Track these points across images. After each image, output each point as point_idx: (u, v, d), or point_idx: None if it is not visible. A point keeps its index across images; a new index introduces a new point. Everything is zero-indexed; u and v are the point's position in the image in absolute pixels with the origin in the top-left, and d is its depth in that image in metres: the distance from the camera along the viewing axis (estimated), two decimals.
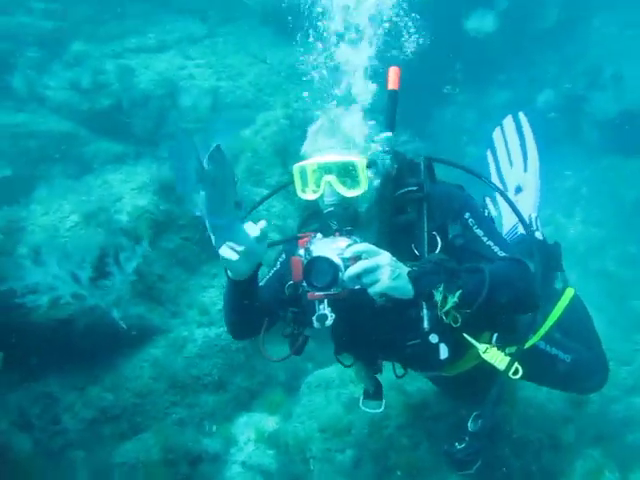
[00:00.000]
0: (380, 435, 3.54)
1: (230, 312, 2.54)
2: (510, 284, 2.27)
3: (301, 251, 2.25)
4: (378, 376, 2.87)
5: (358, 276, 2.11)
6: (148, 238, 4.08)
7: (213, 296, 4.39)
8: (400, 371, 2.80)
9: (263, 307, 2.47)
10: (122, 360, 3.97)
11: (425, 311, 2.32)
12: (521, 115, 3.77)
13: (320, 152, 2.32)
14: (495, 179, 3.79)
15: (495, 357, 2.46)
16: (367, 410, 2.91)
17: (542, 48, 8.04)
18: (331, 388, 4.13)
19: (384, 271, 2.09)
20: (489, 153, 3.85)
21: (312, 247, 2.21)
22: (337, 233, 2.26)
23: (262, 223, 2.11)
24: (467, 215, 2.41)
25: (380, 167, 2.38)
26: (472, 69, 7.70)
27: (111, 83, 6.93)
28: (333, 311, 2.25)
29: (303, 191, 2.38)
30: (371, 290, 2.12)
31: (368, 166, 2.30)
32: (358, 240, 2.22)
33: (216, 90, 7.03)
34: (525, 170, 3.72)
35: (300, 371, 4.49)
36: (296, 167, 2.37)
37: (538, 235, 3.31)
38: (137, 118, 6.98)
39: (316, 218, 2.50)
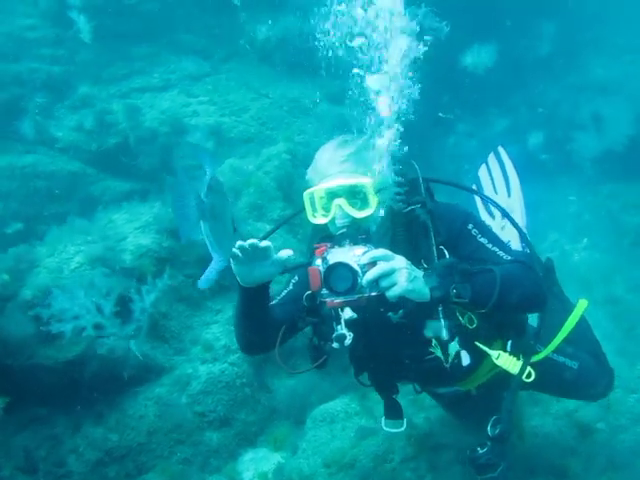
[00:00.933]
0: (384, 469, 3.52)
1: (239, 324, 2.62)
2: (519, 283, 2.36)
3: (318, 261, 2.31)
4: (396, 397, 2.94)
5: (376, 281, 2.18)
6: (152, 276, 4.12)
7: (217, 332, 4.42)
8: (419, 388, 2.93)
9: (275, 325, 2.55)
10: (126, 399, 3.99)
11: (443, 321, 2.39)
12: (500, 149, 3.99)
13: (328, 177, 2.44)
14: (482, 210, 3.91)
15: (508, 362, 2.54)
16: (389, 430, 2.97)
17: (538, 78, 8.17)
18: (336, 422, 4.13)
19: (401, 274, 2.18)
20: (474, 187, 3.99)
21: (329, 256, 2.27)
22: (352, 242, 2.33)
23: (289, 252, 2.29)
24: (470, 226, 2.52)
25: (386, 187, 2.47)
26: (471, 100, 7.80)
27: (117, 123, 7.10)
28: (351, 330, 2.30)
29: (314, 216, 2.52)
30: (389, 293, 2.19)
31: (376, 186, 2.41)
32: (373, 248, 2.28)
33: (219, 126, 7.16)
34: (509, 195, 3.90)
35: (306, 404, 4.48)
36: (306, 193, 2.51)
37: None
38: (143, 156, 7.12)
39: (328, 241, 2.52)
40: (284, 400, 4.44)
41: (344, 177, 2.42)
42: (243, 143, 7.05)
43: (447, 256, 2.47)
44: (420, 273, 2.26)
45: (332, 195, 2.42)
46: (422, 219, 2.50)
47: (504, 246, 2.56)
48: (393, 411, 2.92)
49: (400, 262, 2.21)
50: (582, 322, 3.24)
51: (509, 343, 2.65)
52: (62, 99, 7.31)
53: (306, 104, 7.77)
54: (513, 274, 2.38)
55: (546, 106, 8.07)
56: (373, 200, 2.39)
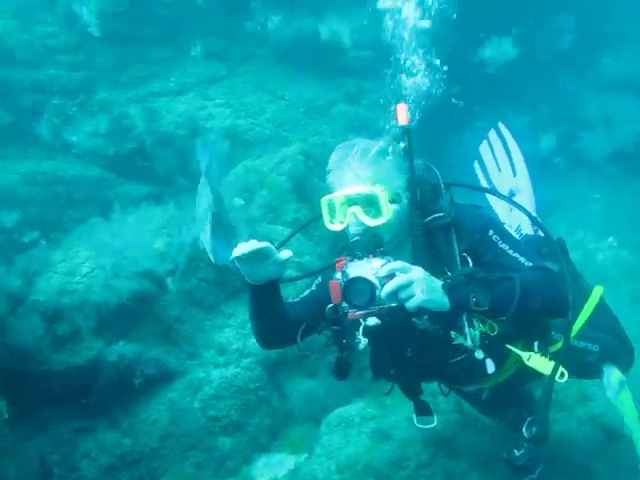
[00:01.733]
0: (399, 476, 3.46)
1: (253, 320, 2.68)
2: (540, 290, 2.35)
3: (338, 275, 2.36)
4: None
5: (394, 292, 2.21)
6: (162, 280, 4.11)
7: (229, 336, 4.39)
8: (445, 389, 2.93)
9: (295, 321, 2.61)
10: (139, 403, 3.98)
11: (467, 329, 2.40)
12: (501, 126, 3.90)
13: (345, 185, 2.46)
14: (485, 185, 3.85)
15: (539, 363, 2.54)
16: (421, 427, 3.00)
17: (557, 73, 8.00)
18: (351, 427, 4.07)
19: (418, 285, 2.19)
20: (476, 165, 3.92)
21: (348, 269, 2.32)
22: (371, 255, 2.35)
23: (288, 253, 2.38)
24: (491, 232, 2.51)
25: (403, 196, 2.50)
26: (488, 95, 7.67)
27: (135, 127, 7.15)
28: (375, 336, 2.42)
29: (331, 222, 2.53)
30: (407, 304, 2.21)
31: (391, 197, 2.43)
32: (392, 260, 2.30)
33: (235, 128, 7.16)
34: (514, 174, 3.81)
35: (321, 408, 4.43)
36: (323, 200, 2.52)
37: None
38: (160, 160, 7.16)
39: (346, 251, 2.59)
40: (298, 404, 4.39)
41: (360, 185, 2.43)
42: (259, 145, 7.02)
43: (470, 263, 2.47)
44: (439, 283, 2.27)
45: (347, 203, 2.45)
46: (444, 228, 2.51)
47: (526, 251, 2.54)
48: (423, 409, 2.95)
49: (417, 273, 2.23)
50: (600, 304, 3.23)
51: (535, 344, 2.66)
52: (80, 104, 7.38)
53: (322, 105, 7.73)
54: (534, 281, 2.37)
55: (565, 102, 7.90)
56: (387, 209, 2.41)
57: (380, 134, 2.60)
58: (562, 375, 2.52)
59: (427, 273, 2.25)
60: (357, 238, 2.43)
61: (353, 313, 2.29)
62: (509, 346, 2.52)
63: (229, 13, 8.26)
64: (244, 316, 4.49)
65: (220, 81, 7.95)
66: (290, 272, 4.87)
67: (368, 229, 2.42)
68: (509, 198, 3.02)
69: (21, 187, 6.70)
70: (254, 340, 4.33)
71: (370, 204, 2.42)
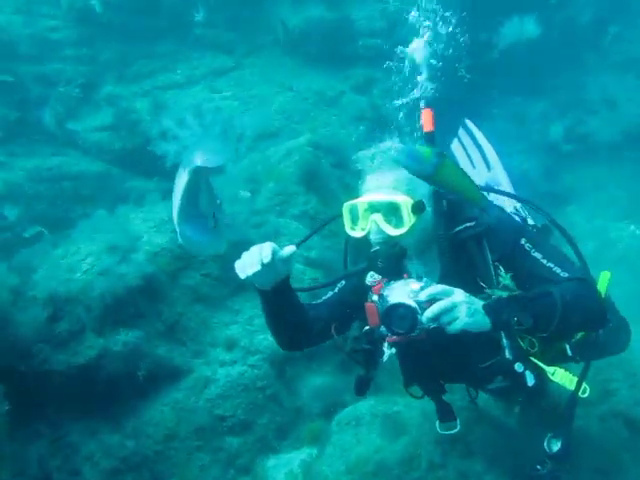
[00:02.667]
0: (409, 477, 3.33)
1: (269, 325, 2.66)
2: (579, 304, 2.31)
3: (374, 297, 2.33)
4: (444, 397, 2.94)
5: (436, 317, 2.15)
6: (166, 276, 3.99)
7: (236, 333, 4.26)
8: (473, 392, 2.92)
9: (315, 321, 2.60)
10: (143, 404, 3.87)
11: (505, 341, 2.40)
12: (468, 122, 3.89)
13: (368, 191, 2.43)
14: None
15: (564, 378, 2.53)
16: (444, 433, 2.99)
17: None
18: (361, 425, 3.94)
19: (461, 309, 2.13)
20: None
21: (386, 293, 2.28)
22: (405, 275, 2.32)
23: (292, 248, 2.32)
24: (523, 241, 2.47)
25: (428, 204, 2.42)
26: (506, 81, 7.49)
27: (141, 121, 7.06)
28: (402, 348, 2.48)
29: (352, 228, 2.49)
30: (449, 328, 2.16)
31: (414, 205, 2.35)
32: (429, 281, 2.26)
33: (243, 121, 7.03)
34: (489, 169, 3.79)
35: (330, 406, 4.30)
36: (346, 205, 2.48)
37: (530, 221, 3.22)
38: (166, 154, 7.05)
39: (363, 256, 2.53)
40: (308, 401, 4.27)
41: (382, 192, 2.39)
42: (267, 137, 6.91)
43: (503, 273, 2.43)
44: (479, 303, 2.21)
45: (369, 210, 2.40)
46: (476, 237, 2.46)
47: (559, 260, 2.47)
48: (446, 413, 2.91)
49: (459, 296, 2.17)
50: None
51: (567, 347, 2.68)
52: (86, 99, 7.31)
53: (331, 96, 7.60)
54: (572, 295, 2.30)
55: (586, 87, 7.69)
56: (409, 218, 2.35)
57: (404, 135, 2.50)
58: (585, 391, 2.55)
59: (467, 295, 2.18)
60: (377, 247, 2.40)
61: (392, 337, 2.29)
62: (533, 359, 2.48)
63: (236, 5, 8.15)
64: (251, 312, 4.38)
65: (227, 73, 7.87)
66: (298, 267, 4.75)
67: (390, 238, 2.37)
68: (547, 213, 2.84)
69: (27, 183, 6.63)
70: (261, 337, 4.33)
71: (392, 212, 2.37)
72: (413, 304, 2.19)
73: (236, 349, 4.17)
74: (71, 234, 4.72)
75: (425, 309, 2.15)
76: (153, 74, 7.69)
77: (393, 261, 2.34)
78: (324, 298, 2.71)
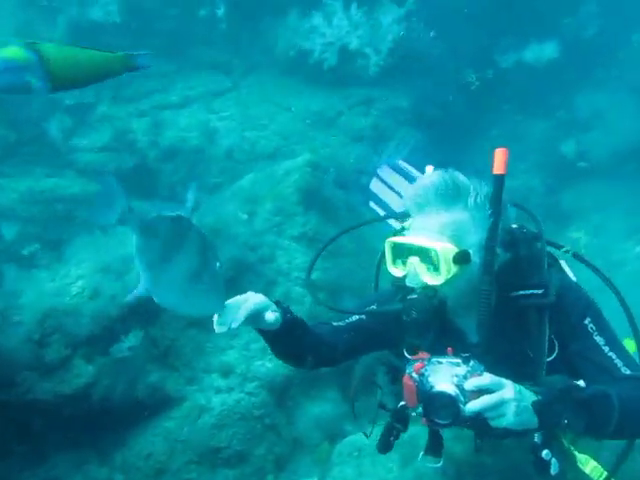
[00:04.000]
0: None
1: (277, 356, 2.45)
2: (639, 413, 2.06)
3: (414, 373, 2.09)
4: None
5: (480, 411, 1.94)
6: None
7: (232, 358, 4.07)
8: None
9: (335, 345, 2.44)
10: (133, 435, 3.68)
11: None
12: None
13: (412, 229, 2.24)
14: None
15: (594, 471, 2.39)
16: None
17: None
18: (363, 456, 3.78)
19: (509, 406, 1.91)
20: (373, 204, 3.66)
21: (427, 372, 2.07)
22: (450, 349, 2.12)
23: (273, 315, 2.06)
24: (587, 320, 2.22)
25: (476, 256, 2.15)
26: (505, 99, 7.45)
27: (136, 141, 6.96)
28: None
29: (393, 264, 2.30)
30: (493, 423, 1.94)
31: (456, 255, 2.11)
32: (476, 365, 2.04)
33: (241, 141, 6.95)
34: None
35: (332, 434, 4.12)
36: (388, 241, 2.29)
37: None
38: (163, 175, 6.96)
39: (395, 297, 2.39)
40: (307, 432, 4.09)
41: (424, 235, 2.16)
42: (265, 158, 6.82)
43: (556, 349, 2.23)
44: (529, 399, 1.96)
45: (410, 251, 2.20)
46: (540, 309, 2.20)
47: (622, 351, 2.22)
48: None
49: (509, 392, 1.91)
50: None
51: None
52: (81, 120, 7.20)
53: (330, 116, 7.51)
54: (634, 401, 2.05)
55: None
56: (446, 269, 2.10)
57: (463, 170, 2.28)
58: None
59: (518, 390, 1.94)
60: (415, 296, 2.18)
61: (428, 421, 2.07)
62: (569, 445, 2.35)
63: (233, 25, 8.12)
64: (247, 337, 4.20)
65: (224, 93, 7.77)
66: (298, 290, 4.59)
67: (427, 287, 2.16)
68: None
69: (20, 206, 6.49)
70: (259, 363, 4.15)
71: (430, 259, 2.14)
72: (457, 394, 1.99)
73: (232, 375, 3.99)
74: (62, 256, 4.57)
75: (468, 397, 1.96)
76: (149, 94, 7.58)
77: (429, 314, 2.16)
78: (347, 321, 2.52)
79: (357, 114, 7.54)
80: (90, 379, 3.62)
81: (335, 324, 2.50)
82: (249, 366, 4.05)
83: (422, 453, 2.67)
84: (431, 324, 2.22)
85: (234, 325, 1.95)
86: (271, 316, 2.04)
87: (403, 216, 2.48)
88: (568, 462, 2.42)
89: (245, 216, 5.03)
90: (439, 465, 2.66)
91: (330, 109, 7.53)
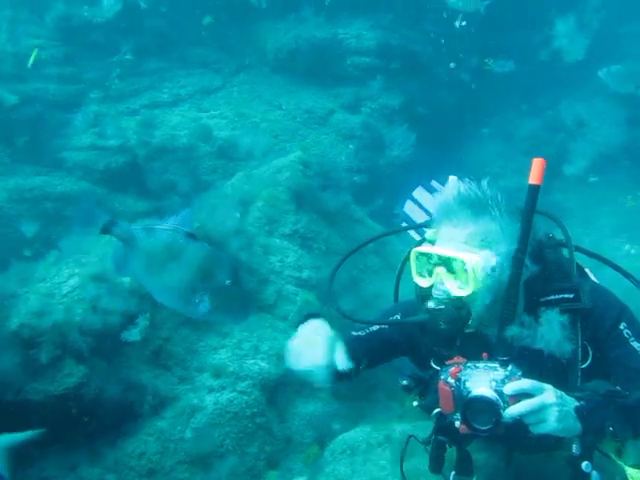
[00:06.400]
0: None
1: None
2: None
3: (450, 379, 2.04)
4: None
5: (521, 416, 1.89)
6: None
7: (224, 358, 4.06)
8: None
9: (355, 355, 2.31)
10: (125, 434, 3.65)
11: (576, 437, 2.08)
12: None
13: (440, 239, 2.21)
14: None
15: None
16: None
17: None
18: (357, 454, 3.75)
19: (551, 411, 1.88)
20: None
21: (464, 377, 2.01)
22: (485, 354, 2.06)
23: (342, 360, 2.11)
24: (622, 326, 2.19)
25: (506, 266, 2.10)
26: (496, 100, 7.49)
27: (126, 140, 6.94)
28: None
29: (418, 275, 2.26)
30: (534, 429, 1.90)
31: (486, 265, 2.08)
32: (514, 369, 1.98)
33: (231, 139, 6.94)
34: None
35: (324, 433, 4.11)
36: (414, 251, 2.25)
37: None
38: (153, 174, 6.93)
39: (419, 308, 2.30)
40: (300, 429, 4.08)
41: (453, 247, 2.14)
42: (256, 157, 6.81)
43: (590, 355, 2.18)
44: (572, 404, 1.92)
45: (437, 261, 2.16)
46: (573, 316, 2.14)
47: None
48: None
49: (550, 396, 1.88)
50: None
51: None
52: (71, 118, 7.16)
53: (321, 114, 7.53)
54: None
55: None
56: (474, 280, 2.07)
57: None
58: None
59: (559, 395, 1.90)
60: (442, 306, 2.11)
61: (466, 428, 1.99)
62: (612, 455, 2.20)
63: (224, 24, 8.10)
64: (240, 336, 4.20)
65: (215, 92, 7.78)
66: (289, 288, 4.59)
67: (454, 298, 2.12)
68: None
69: (8, 204, 6.45)
70: (251, 362, 4.13)
71: (457, 270, 2.10)
72: (496, 398, 1.93)
73: (225, 375, 3.97)
74: (51, 256, 4.53)
75: (508, 402, 1.90)
76: (140, 93, 7.60)
77: (457, 325, 2.10)
78: (367, 331, 2.47)
79: (348, 112, 7.56)
80: (81, 379, 3.58)
81: (355, 333, 2.45)
82: (241, 365, 4.04)
83: (453, 473, 2.56)
84: (457, 334, 2.15)
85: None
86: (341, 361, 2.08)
87: (426, 226, 2.46)
88: (614, 476, 2.32)
89: (237, 214, 5.01)
90: None
91: (321, 107, 7.55)
